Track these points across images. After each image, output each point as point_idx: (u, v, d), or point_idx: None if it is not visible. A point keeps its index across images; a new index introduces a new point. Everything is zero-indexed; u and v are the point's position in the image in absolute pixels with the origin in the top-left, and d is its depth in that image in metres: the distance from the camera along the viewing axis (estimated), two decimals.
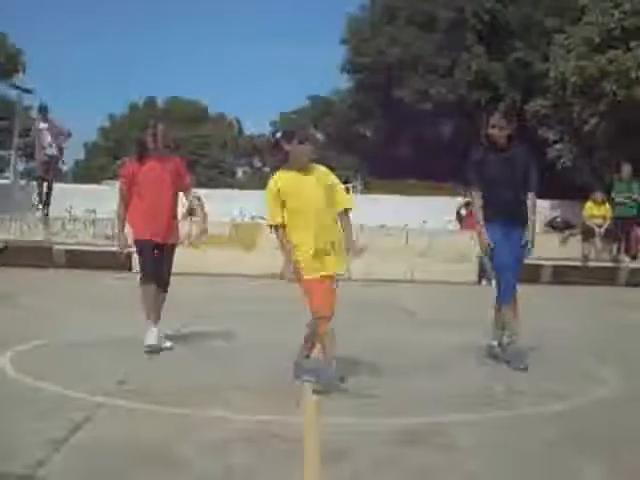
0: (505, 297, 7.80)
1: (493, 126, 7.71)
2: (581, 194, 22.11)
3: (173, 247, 8.38)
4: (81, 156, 78.27)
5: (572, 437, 5.25)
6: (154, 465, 4.46)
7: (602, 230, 19.76)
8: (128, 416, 5.56)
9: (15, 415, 5.41)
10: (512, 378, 7.06)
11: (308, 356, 6.77)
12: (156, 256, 8.21)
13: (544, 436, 5.27)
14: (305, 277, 6.41)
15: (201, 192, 21.68)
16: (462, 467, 4.61)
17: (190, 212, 20.37)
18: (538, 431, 5.41)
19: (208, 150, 70.27)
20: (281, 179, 6.56)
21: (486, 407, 6.02)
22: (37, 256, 18.50)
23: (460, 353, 8.36)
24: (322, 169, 6.68)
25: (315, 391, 6.20)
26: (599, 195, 20.23)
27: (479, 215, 7.81)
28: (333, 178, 6.69)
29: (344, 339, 8.61)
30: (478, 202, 7.85)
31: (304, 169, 6.54)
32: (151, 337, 8.00)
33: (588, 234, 19.86)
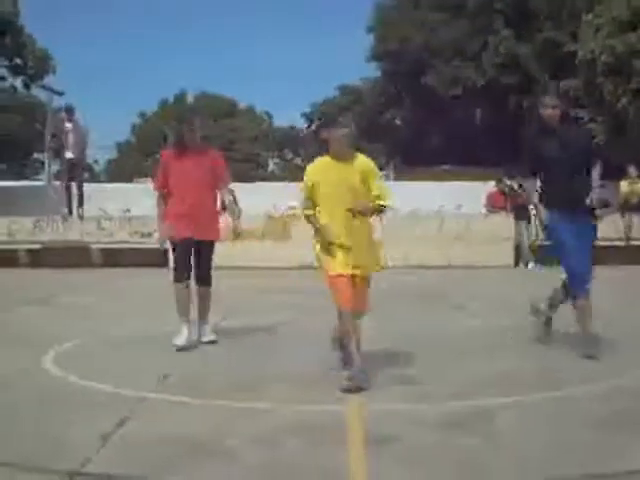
0: (575, 287, 7.37)
1: (546, 106, 7.50)
2: (617, 173, 21.96)
3: (212, 243, 8.21)
4: (114, 155, 78.84)
5: (621, 416, 5.22)
6: (202, 457, 4.48)
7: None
8: (173, 410, 5.59)
9: (61, 413, 5.46)
10: (556, 359, 7.01)
11: (340, 347, 6.58)
12: (193, 253, 8.10)
13: (592, 416, 5.24)
14: (328, 272, 6.30)
15: (234, 186, 21.86)
16: (509, 450, 4.59)
17: (224, 207, 20.53)
18: (586, 411, 5.39)
19: (239, 144, 70.44)
20: (316, 167, 6.47)
21: (532, 389, 5.99)
22: (74, 256, 18.66)
23: (500, 336, 8.33)
24: (364, 160, 6.47)
25: (342, 389, 5.90)
26: (633, 171, 20.35)
27: (532, 197, 7.68)
28: (374, 171, 6.50)
29: (383, 326, 8.62)
30: (531, 185, 7.70)
31: (343, 158, 6.36)
32: (180, 338, 7.87)
33: (625, 210, 19.93)
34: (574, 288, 7.36)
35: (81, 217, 19.98)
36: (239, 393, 5.94)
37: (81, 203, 20.02)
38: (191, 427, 5.09)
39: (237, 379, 6.42)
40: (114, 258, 18.54)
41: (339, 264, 6.23)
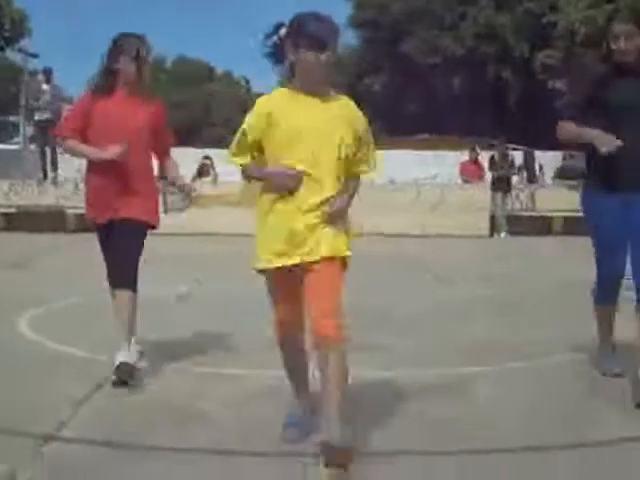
0: (600, 293, 5.52)
1: (617, 36, 5.30)
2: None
3: (140, 227, 5.58)
4: None
5: (593, 386, 5.30)
6: (176, 420, 4.53)
7: None
8: (147, 375, 5.60)
9: (35, 377, 5.46)
10: (533, 329, 7.06)
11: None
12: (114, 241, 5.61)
13: (565, 386, 5.34)
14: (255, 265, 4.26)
15: (210, 152, 21.79)
16: (480, 418, 4.65)
17: (200, 172, 20.38)
18: (558, 381, 5.47)
19: (216, 109, 70.03)
20: (271, 100, 4.11)
21: (505, 359, 6.05)
22: (49, 220, 18.55)
23: (474, 305, 8.39)
24: (348, 103, 4.13)
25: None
26: None
27: (583, 131, 5.27)
28: (362, 121, 4.19)
29: (357, 295, 8.65)
30: (573, 127, 5.38)
31: (316, 93, 4.00)
32: (122, 355, 5.40)
33: None
34: (600, 296, 5.53)
35: (55, 182, 19.80)
36: (212, 358, 6.00)
37: (55, 167, 19.85)
38: (165, 392, 5.14)
39: (211, 344, 6.46)
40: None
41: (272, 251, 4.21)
